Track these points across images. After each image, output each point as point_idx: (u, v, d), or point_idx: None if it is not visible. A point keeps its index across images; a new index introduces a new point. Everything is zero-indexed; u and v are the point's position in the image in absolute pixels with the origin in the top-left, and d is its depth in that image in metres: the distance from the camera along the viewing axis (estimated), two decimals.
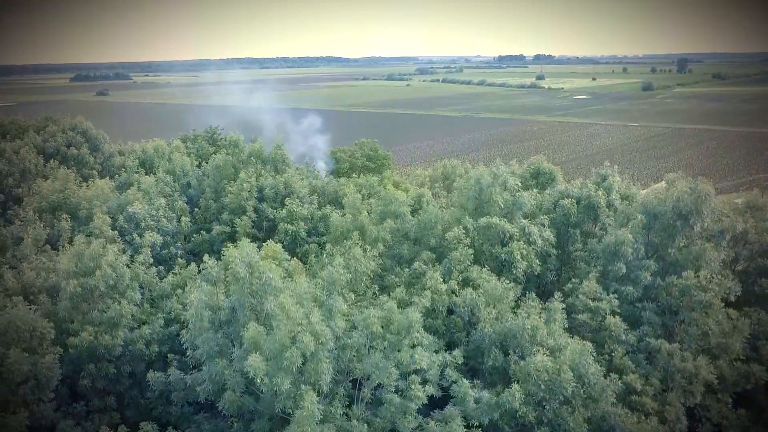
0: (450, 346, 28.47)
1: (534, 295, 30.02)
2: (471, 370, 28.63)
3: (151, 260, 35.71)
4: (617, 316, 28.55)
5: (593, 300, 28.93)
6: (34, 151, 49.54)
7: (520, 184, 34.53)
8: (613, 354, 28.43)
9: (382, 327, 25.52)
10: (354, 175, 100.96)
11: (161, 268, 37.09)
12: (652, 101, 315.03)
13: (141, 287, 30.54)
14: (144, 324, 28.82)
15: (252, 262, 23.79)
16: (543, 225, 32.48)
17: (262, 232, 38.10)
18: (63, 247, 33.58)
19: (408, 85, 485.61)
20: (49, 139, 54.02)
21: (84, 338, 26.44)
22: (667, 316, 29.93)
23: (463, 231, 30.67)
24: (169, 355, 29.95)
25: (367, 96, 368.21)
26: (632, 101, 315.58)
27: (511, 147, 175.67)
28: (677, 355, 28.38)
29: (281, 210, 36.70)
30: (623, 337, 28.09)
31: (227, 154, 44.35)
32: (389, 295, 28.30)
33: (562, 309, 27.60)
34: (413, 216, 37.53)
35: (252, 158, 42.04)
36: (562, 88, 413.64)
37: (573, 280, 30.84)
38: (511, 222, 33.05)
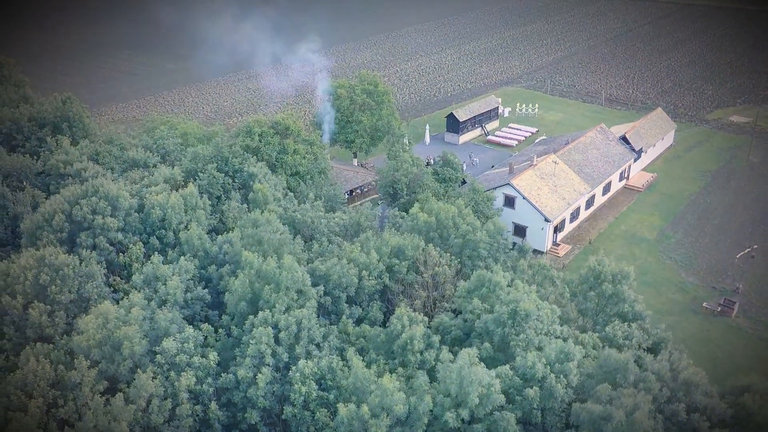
0: None
1: None
2: None
3: (189, 413, 43.50)
4: None
5: None
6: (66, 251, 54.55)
7: (494, 375, 40.74)
8: None
9: None
10: (355, 110, 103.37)
11: (197, 408, 44.86)
12: None
13: None
14: None
15: None
16: (509, 421, 39.27)
17: (279, 372, 45.23)
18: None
19: None
20: (75, 204, 58.77)
21: None
22: None
23: None
24: None
25: None
26: None
27: (513, 32, 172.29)
28: None
29: (295, 371, 43.39)
30: None
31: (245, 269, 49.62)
32: None
33: None
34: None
35: (267, 285, 47.56)
36: None
37: None
38: (486, 407, 40.06)
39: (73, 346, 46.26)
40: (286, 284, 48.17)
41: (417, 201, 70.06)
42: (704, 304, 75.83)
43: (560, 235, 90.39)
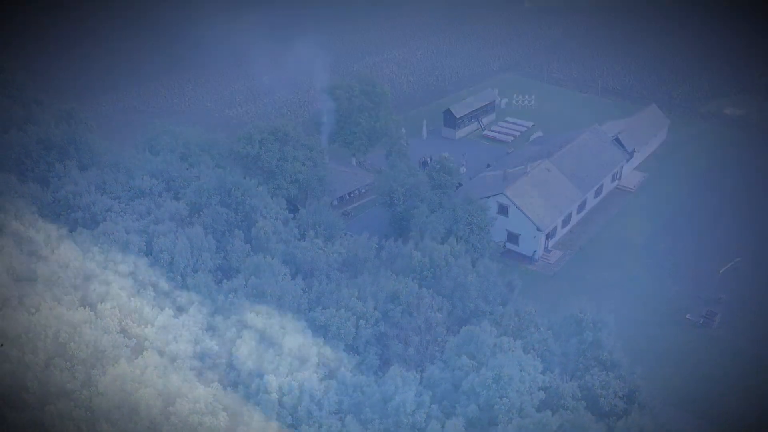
0: None
1: None
2: None
3: None
4: None
5: None
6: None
7: None
8: None
9: None
10: (353, 111, 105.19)
11: None
12: None
13: None
14: None
15: None
16: None
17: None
18: None
19: None
20: (87, 252, 62.16)
21: None
22: None
23: None
24: None
25: None
26: None
27: (512, 11, 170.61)
28: None
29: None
30: None
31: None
32: None
33: None
34: None
35: (272, 347, 51.55)
36: None
37: None
38: None
39: (93, 407, 50.43)
40: (289, 346, 52.03)
41: (410, 237, 73.04)
42: (687, 316, 79.20)
43: (552, 242, 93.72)
